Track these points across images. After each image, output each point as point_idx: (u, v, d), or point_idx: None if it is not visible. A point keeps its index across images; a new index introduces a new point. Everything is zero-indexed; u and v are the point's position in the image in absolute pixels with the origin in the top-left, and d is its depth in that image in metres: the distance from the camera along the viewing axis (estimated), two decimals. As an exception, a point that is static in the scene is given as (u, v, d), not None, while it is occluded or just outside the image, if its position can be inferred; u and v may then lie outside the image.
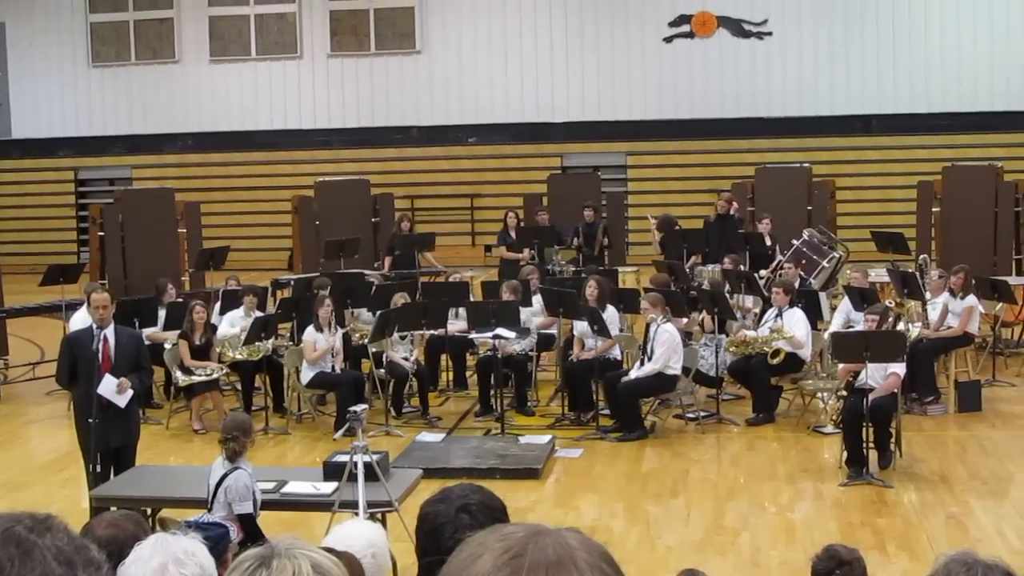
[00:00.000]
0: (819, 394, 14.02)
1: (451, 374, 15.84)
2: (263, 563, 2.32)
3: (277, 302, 16.84)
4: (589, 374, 13.83)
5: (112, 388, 10.06)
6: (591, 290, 14.21)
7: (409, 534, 4.07)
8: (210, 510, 8.53)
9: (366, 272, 18.63)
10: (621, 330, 14.66)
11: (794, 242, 17.43)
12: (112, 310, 10.34)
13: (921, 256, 17.90)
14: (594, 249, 19.64)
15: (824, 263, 17.14)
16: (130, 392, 10.22)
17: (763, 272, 17.43)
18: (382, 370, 14.27)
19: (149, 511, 9.08)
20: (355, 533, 4.97)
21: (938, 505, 10.83)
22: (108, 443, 10.10)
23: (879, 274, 17.10)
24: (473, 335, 14.46)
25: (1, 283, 17.97)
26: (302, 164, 29.23)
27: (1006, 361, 16.49)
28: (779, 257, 17.43)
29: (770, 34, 28.47)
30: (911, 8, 27.92)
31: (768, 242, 18.14)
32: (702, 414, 13.97)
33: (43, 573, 1.66)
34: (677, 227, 19.44)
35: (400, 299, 14.94)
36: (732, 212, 19.22)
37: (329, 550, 3.18)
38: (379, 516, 8.52)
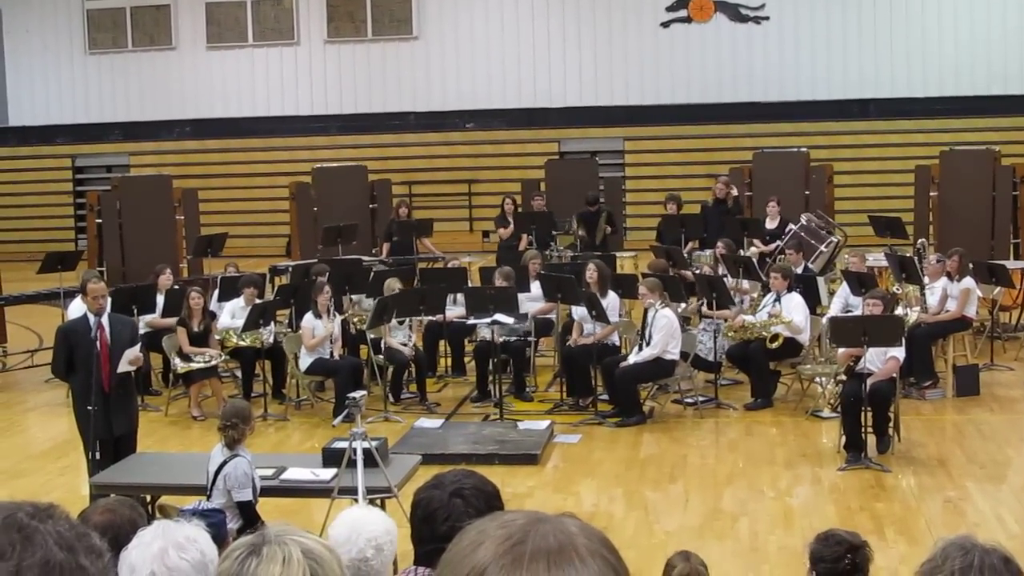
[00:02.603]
0: (817, 379, 14.03)
1: (450, 360, 15.84)
2: (253, 551, 2.33)
3: (275, 289, 16.84)
4: (587, 360, 13.83)
5: (130, 356, 10.29)
6: (590, 274, 14.22)
7: (408, 520, 4.07)
8: (209, 497, 8.53)
9: (363, 258, 18.61)
10: (620, 316, 14.65)
11: (792, 227, 17.44)
12: (107, 299, 10.41)
13: (919, 241, 17.90)
14: (595, 238, 19.53)
15: (822, 248, 17.15)
16: (135, 367, 10.45)
17: (757, 245, 17.45)
18: (380, 356, 14.28)
19: (148, 498, 9.11)
20: (371, 518, 4.98)
21: (936, 489, 10.85)
22: (112, 430, 10.14)
23: (877, 259, 17.10)
24: (472, 321, 14.45)
25: (-1, 271, 17.98)
26: (299, 150, 29.18)
27: (1004, 345, 16.50)
28: (778, 243, 17.42)
29: (767, 18, 28.43)
30: (909, -8, 27.90)
31: (775, 224, 18.08)
32: (700, 399, 13.98)
33: (44, 557, 1.67)
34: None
35: (395, 284, 14.92)
36: (728, 199, 19.22)
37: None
38: (378, 502, 8.53)
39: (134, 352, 10.29)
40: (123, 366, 10.23)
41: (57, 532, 1.73)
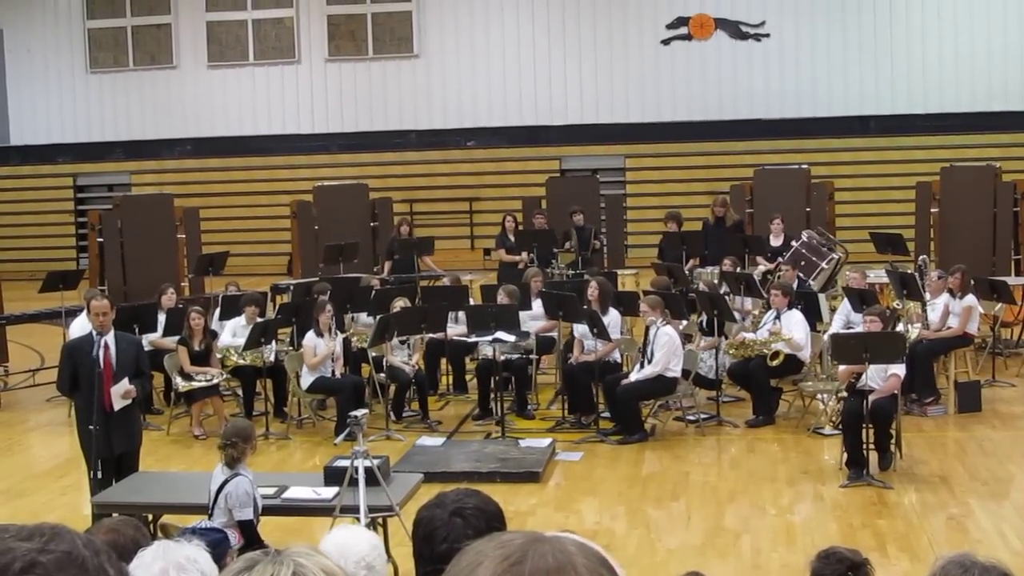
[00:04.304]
0: (819, 396, 14.02)
1: (450, 378, 15.84)
2: (248, 567, 2.33)
3: (276, 307, 16.84)
4: (589, 377, 13.82)
5: (120, 391, 10.11)
6: (592, 291, 14.23)
7: (410, 539, 4.07)
8: (211, 516, 8.53)
9: (361, 276, 18.59)
10: (622, 333, 14.65)
11: (793, 243, 17.44)
12: (112, 316, 10.36)
13: (920, 257, 17.88)
14: (588, 252, 19.59)
15: (823, 264, 17.13)
16: (130, 400, 10.27)
17: (760, 264, 17.44)
18: (382, 374, 14.27)
19: (150, 517, 9.10)
20: (356, 539, 4.97)
21: (938, 506, 10.83)
22: (112, 450, 10.10)
23: (878, 275, 17.10)
24: (473, 339, 14.45)
25: (1, 290, 17.96)
26: (300, 169, 29.24)
27: (1005, 361, 16.49)
28: (780, 259, 17.41)
29: (767, 36, 28.50)
30: (908, 9, 27.96)
31: (779, 241, 18.08)
32: (702, 417, 13.97)
33: (70, 549, 1.77)
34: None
35: (400, 303, 14.95)
36: (727, 218, 19.21)
37: None
38: (380, 521, 8.53)
39: (124, 386, 10.17)
40: (118, 402, 10.16)
41: (88, 539, 1.83)
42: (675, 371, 13.34)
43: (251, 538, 8.48)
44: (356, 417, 8.68)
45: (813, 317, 14.78)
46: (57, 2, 31.06)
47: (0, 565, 1.71)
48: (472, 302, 16.34)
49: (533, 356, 14.98)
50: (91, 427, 9.88)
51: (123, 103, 31.05)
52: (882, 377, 11.78)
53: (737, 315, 15.05)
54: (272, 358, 14.45)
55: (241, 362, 14.46)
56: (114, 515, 7.42)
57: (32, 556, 1.73)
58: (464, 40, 29.58)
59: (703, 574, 5.80)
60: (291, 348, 14.80)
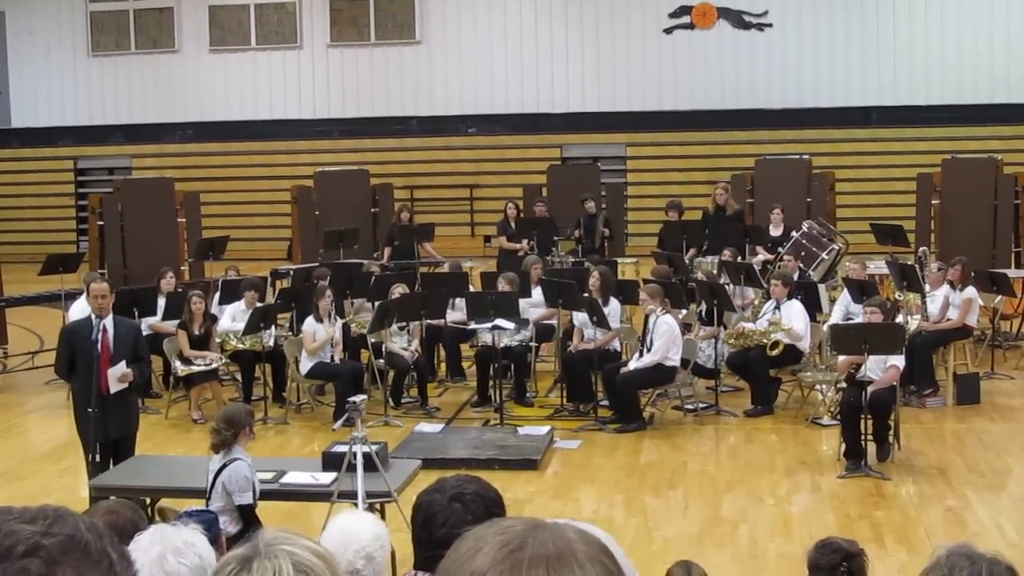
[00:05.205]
0: (818, 386, 14.02)
1: (444, 364, 15.84)
2: (244, 565, 2.32)
3: (276, 292, 16.83)
4: (588, 365, 13.82)
5: (117, 374, 10.09)
6: (595, 280, 14.21)
7: (408, 524, 4.07)
8: (208, 501, 8.53)
9: (363, 262, 18.59)
10: (621, 322, 14.65)
11: (793, 234, 17.43)
12: (111, 300, 10.33)
13: (920, 249, 17.87)
14: (595, 241, 19.61)
15: (823, 255, 17.13)
16: (126, 384, 10.24)
17: (760, 253, 17.43)
18: (381, 360, 14.27)
19: (148, 501, 9.10)
20: (358, 528, 4.96)
21: (936, 498, 10.84)
22: (107, 434, 10.08)
23: (878, 266, 17.09)
24: (473, 326, 14.45)
25: (0, 272, 17.96)
26: (301, 154, 29.21)
27: (1005, 354, 16.50)
28: (780, 250, 17.41)
29: (770, 25, 28.45)
30: (911, 0, 27.89)
31: (779, 231, 18.08)
32: (700, 406, 13.97)
33: (73, 533, 1.76)
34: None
35: (399, 289, 14.95)
36: (728, 206, 19.17)
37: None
38: (378, 507, 8.53)
39: (120, 369, 10.15)
40: (115, 385, 10.14)
41: (91, 522, 1.82)
42: (674, 360, 13.34)
43: (250, 522, 8.48)
44: (355, 403, 8.67)
45: (813, 307, 14.77)
46: (59, -15, 31.04)
47: (3, 548, 1.70)
48: (472, 289, 16.34)
49: (532, 344, 14.97)
50: (89, 410, 9.87)
51: (124, 87, 31.00)
52: (881, 368, 11.78)
53: (737, 305, 15.05)
54: (271, 343, 14.45)
55: (240, 347, 14.46)
56: (112, 498, 7.41)
57: (36, 539, 1.72)
58: (466, 27, 29.53)
59: (694, 562, 5.80)
60: (290, 333, 14.79)
